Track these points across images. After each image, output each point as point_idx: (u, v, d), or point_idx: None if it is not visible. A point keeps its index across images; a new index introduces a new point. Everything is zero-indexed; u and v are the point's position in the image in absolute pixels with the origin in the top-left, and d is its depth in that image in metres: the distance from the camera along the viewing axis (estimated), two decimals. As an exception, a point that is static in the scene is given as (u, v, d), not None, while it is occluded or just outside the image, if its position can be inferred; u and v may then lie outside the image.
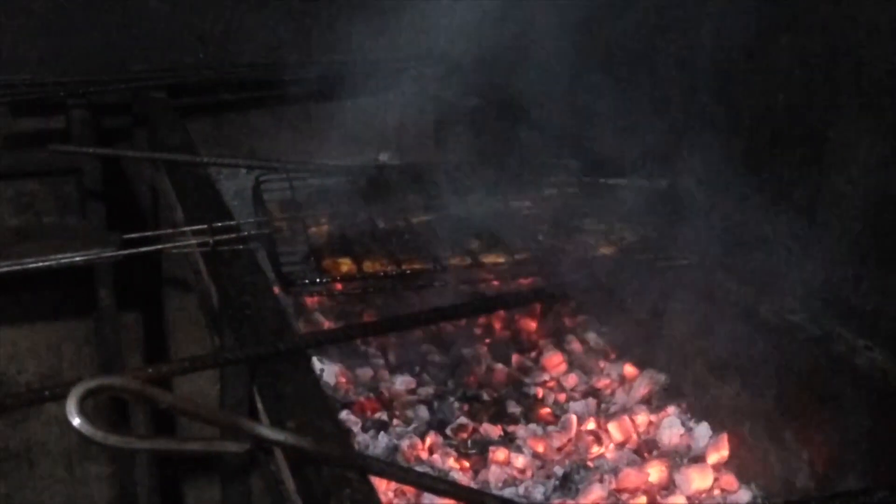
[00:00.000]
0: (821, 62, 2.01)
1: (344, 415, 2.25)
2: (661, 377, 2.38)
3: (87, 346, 3.64)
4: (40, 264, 2.23)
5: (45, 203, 3.55)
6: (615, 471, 2.11)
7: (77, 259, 2.27)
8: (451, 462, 2.15)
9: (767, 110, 2.16)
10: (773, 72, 2.14)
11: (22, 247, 2.32)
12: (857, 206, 1.92)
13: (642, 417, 2.29)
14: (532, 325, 2.69)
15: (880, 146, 1.86)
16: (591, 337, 2.63)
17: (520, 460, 2.15)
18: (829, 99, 1.99)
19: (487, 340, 2.64)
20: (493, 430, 2.26)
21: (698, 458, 2.15)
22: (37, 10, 3.40)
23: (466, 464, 2.16)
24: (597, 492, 2.03)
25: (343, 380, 2.42)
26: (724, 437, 2.15)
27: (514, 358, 2.54)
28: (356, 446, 2.14)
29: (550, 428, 2.27)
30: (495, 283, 2.34)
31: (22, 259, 2.23)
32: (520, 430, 2.26)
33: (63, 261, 2.25)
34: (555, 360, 2.52)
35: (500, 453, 2.16)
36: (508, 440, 2.24)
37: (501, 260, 2.29)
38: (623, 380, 2.44)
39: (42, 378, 3.66)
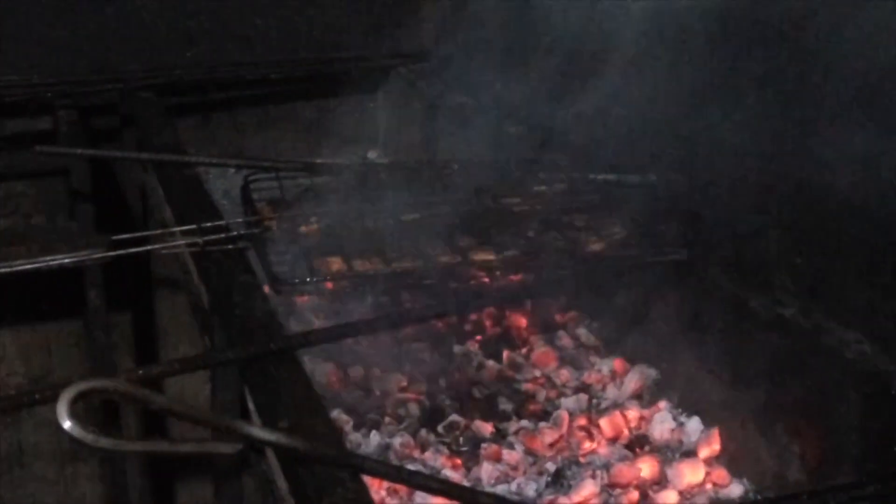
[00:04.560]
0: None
1: (335, 414, 2.25)
2: (652, 372, 2.38)
3: (77, 348, 3.63)
4: (29, 266, 2.22)
5: (33, 205, 3.54)
6: (607, 466, 2.11)
7: (66, 261, 2.26)
8: (443, 460, 2.14)
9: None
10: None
11: (10, 249, 2.31)
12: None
13: (633, 413, 2.29)
14: (522, 321, 2.69)
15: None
16: (582, 332, 2.62)
17: (512, 457, 2.15)
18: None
19: (478, 337, 2.64)
20: (485, 427, 2.25)
21: (690, 453, 2.15)
22: (23, 11, 3.39)
23: (458, 461, 2.16)
24: (589, 487, 2.03)
25: (334, 379, 2.41)
26: (716, 432, 2.15)
27: (505, 354, 2.54)
28: (348, 445, 2.14)
29: (542, 424, 2.27)
30: (485, 280, 2.34)
31: (10, 261, 2.22)
32: (511, 427, 2.26)
33: (52, 262, 2.25)
34: (546, 357, 2.52)
35: (491, 450, 2.16)
36: (500, 437, 2.23)
37: (491, 257, 2.29)
38: (614, 375, 2.44)
39: (32, 381, 3.65)
